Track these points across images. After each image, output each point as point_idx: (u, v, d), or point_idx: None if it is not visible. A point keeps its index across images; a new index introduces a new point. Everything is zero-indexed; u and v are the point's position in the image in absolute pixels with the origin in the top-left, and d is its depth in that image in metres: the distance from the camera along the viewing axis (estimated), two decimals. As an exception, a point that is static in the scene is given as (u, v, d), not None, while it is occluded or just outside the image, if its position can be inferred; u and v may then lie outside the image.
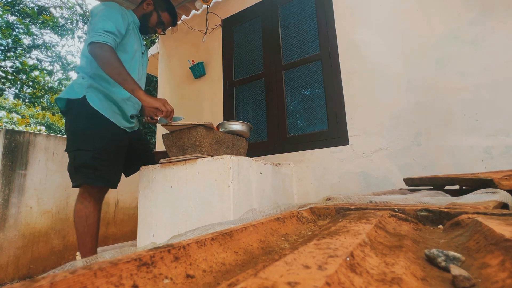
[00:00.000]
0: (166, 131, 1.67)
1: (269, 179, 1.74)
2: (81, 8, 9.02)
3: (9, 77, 7.23)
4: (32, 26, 8.00)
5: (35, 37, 8.27)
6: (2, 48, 7.09)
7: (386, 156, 1.87)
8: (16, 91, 7.69)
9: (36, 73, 8.18)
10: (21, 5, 7.71)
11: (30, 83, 7.90)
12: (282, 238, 0.58)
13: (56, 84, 9.46)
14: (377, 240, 0.45)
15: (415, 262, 0.37)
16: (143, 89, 1.67)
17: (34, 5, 8.26)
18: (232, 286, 0.25)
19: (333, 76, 2.17)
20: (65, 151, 1.49)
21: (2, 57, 7.13)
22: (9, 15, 7.45)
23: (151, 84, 6.35)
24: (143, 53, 1.69)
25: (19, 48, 7.52)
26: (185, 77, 3.23)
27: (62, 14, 9.23)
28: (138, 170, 1.71)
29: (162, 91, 3.47)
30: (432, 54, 1.80)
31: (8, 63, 7.39)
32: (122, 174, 1.69)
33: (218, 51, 2.97)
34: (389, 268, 0.33)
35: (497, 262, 0.33)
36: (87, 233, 1.43)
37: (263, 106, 2.56)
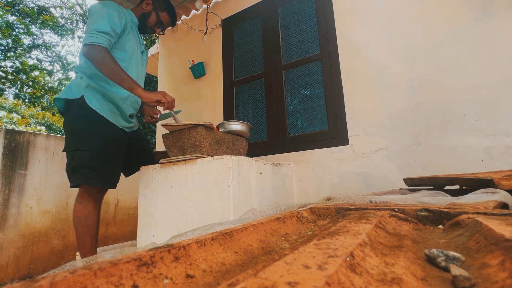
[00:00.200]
0: (166, 131, 1.67)
1: (269, 179, 1.74)
2: (81, 8, 9.03)
3: (9, 77, 7.23)
4: (32, 26, 8.00)
5: (35, 37, 8.26)
6: (2, 48, 7.09)
7: (386, 156, 1.87)
8: (16, 91, 7.69)
9: (36, 73, 8.18)
10: (21, 5, 7.72)
11: (30, 83, 7.90)
12: (282, 238, 0.58)
13: (56, 84, 9.46)
14: (377, 240, 0.45)
15: (415, 262, 0.37)
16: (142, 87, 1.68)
17: (34, 5, 8.27)
18: (232, 286, 0.25)
19: (333, 76, 2.17)
20: (63, 151, 1.49)
21: (2, 57, 7.13)
22: (9, 15, 7.44)
23: (151, 84, 6.35)
24: (142, 52, 1.69)
25: (19, 48, 7.52)
26: (185, 77, 3.23)
27: (62, 14, 9.23)
28: (138, 170, 1.71)
29: (162, 91, 3.47)
30: (432, 54, 1.80)
31: (8, 63, 7.39)
32: (122, 174, 1.69)
33: (218, 51, 2.97)
34: (389, 268, 0.33)
35: (497, 262, 0.33)
36: (86, 233, 1.43)
37: (263, 106, 2.56)
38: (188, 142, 1.52)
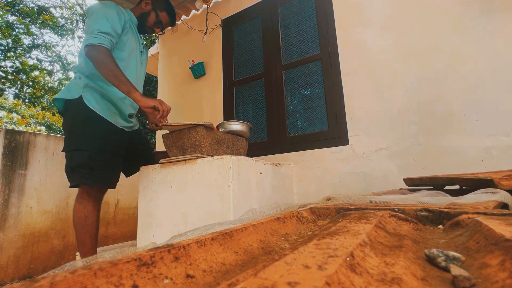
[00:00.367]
0: (166, 131, 1.67)
1: (269, 179, 1.74)
2: (81, 8, 9.03)
3: (9, 77, 7.23)
4: (32, 26, 8.01)
5: (35, 37, 8.27)
6: (2, 48, 7.09)
7: (386, 156, 1.87)
8: (16, 91, 7.69)
9: (36, 73, 8.18)
10: (21, 5, 7.72)
11: (30, 83, 7.90)
12: (282, 238, 0.58)
13: (56, 84, 9.46)
14: (377, 240, 0.45)
15: (415, 262, 0.37)
16: (141, 88, 1.67)
17: (34, 5, 8.27)
18: (232, 286, 0.25)
19: (333, 76, 2.17)
20: (62, 151, 1.49)
21: (2, 57, 7.13)
22: (9, 15, 7.45)
23: (151, 84, 6.35)
24: (141, 52, 1.69)
25: (19, 48, 7.52)
26: (185, 77, 3.23)
27: (62, 14, 9.23)
28: (138, 170, 1.71)
29: (162, 91, 3.47)
30: (432, 54, 1.80)
31: (8, 63, 7.39)
32: (122, 174, 1.69)
33: (218, 51, 2.97)
34: (389, 268, 0.33)
35: (497, 262, 0.33)
36: (86, 233, 1.43)
37: (263, 106, 2.56)
38: (188, 142, 1.52)
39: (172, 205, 1.52)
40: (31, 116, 12.89)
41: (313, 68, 2.32)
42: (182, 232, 1.07)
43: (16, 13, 7.63)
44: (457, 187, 1.17)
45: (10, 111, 12.67)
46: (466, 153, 1.63)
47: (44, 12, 8.25)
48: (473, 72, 1.67)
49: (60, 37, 8.96)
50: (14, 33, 7.32)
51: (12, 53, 7.31)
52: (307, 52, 2.37)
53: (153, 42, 6.49)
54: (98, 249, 1.66)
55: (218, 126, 1.75)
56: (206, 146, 1.50)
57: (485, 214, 0.55)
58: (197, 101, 3.06)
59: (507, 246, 0.33)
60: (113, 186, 1.53)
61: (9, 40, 7.21)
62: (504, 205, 0.68)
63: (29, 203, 2.17)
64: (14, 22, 7.43)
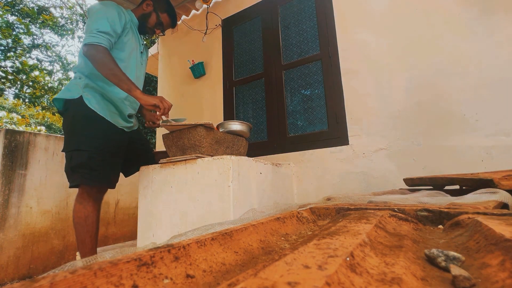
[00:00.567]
0: (166, 131, 1.67)
1: (269, 179, 1.74)
2: (81, 8, 9.03)
3: (9, 77, 7.23)
4: (32, 26, 8.01)
5: (35, 37, 8.27)
6: (2, 48, 7.09)
7: (386, 156, 1.87)
8: (16, 91, 7.70)
9: (36, 73, 8.18)
10: (21, 5, 7.72)
11: (30, 83, 7.90)
12: (282, 238, 0.58)
13: (56, 84, 9.46)
14: (377, 240, 0.45)
15: (415, 262, 0.37)
16: (141, 88, 1.67)
17: (34, 5, 8.27)
18: (232, 286, 0.25)
19: (333, 76, 2.17)
20: (62, 151, 1.49)
21: (2, 57, 7.13)
22: (9, 15, 7.45)
23: (151, 84, 6.35)
24: (142, 52, 1.69)
25: (19, 48, 7.52)
26: (185, 77, 3.23)
27: (62, 14, 9.24)
28: (138, 170, 1.71)
29: (162, 91, 3.47)
30: (432, 54, 1.80)
31: (8, 63, 7.39)
32: (122, 174, 1.69)
33: (218, 51, 2.97)
34: (389, 268, 0.33)
35: (497, 262, 0.33)
36: (86, 233, 1.43)
37: (263, 106, 2.56)
38: (188, 142, 1.52)
39: (172, 205, 1.52)
40: (31, 116, 12.89)
41: (313, 68, 2.32)
42: (182, 232, 1.07)
43: (16, 13, 7.64)
44: (457, 187, 1.17)
45: (10, 111, 12.67)
46: (466, 153, 1.63)
47: (44, 12, 8.25)
48: (473, 72, 1.67)
49: (60, 37, 8.96)
50: (14, 33, 7.32)
51: (12, 53, 7.31)
52: (307, 52, 2.37)
53: (153, 42, 6.49)
54: (98, 249, 1.66)
55: (218, 126, 1.75)
56: (206, 146, 1.50)
57: (485, 214, 0.55)
58: (197, 101, 3.06)
59: (507, 246, 0.33)
60: (113, 186, 1.53)
61: (9, 40, 7.21)
62: (504, 205, 0.68)
63: (29, 203, 2.17)
64: (14, 22, 7.44)
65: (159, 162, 1.60)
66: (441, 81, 1.76)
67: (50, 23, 8.32)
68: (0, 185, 2.04)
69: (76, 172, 1.41)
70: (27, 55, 8.13)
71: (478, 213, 0.56)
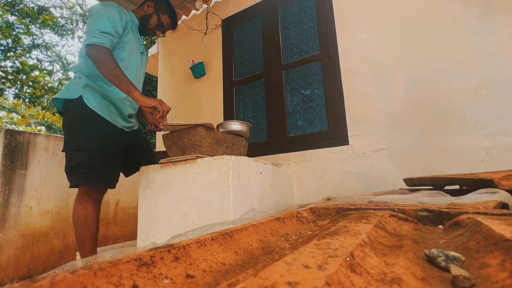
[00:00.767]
0: (166, 131, 1.67)
1: (269, 179, 1.74)
2: (81, 8, 9.03)
3: (9, 77, 7.23)
4: (32, 26, 8.01)
5: (35, 37, 8.27)
6: (2, 48, 7.09)
7: (386, 156, 1.87)
8: (16, 91, 7.70)
9: (36, 73, 8.18)
10: (21, 5, 7.72)
11: (30, 83, 7.90)
12: (282, 238, 0.58)
13: (56, 84, 9.46)
14: (377, 240, 0.45)
15: (415, 262, 0.37)
16: (141, 88, 1.68)
17: (34, 5, 8.27)
18: (232, 286, 0.25)
19: (333, 76, 2.17)
20: (62, 151, 1.49)
21: (2, 57, 7.14)
22: (9, 15, 7.45)
23: (151, 84, 6.35)
24: (142, 52, 1.69)
25: (19, 48, 7.53)
26: (185, 77, 3.23)
27: (62, 14, 9.24)
28: (138, 170, 1.71)
29: (162, 91, 3.47)
30: (432, 54, 1.80)
31: (8, 63, 7.40)
32: (122, 174, 1.69)
33: (218, 51, 2.97)
34: (389, 268, 0.33)
35: (497, 262, 0.33)
36: (86, 233, 1.43)
37: (263, 106, 2.56)
38: (188, 142, 1.52)
39: (172, 205, 1.52)
40: (31, 116, 12.89)
41: (313, 68, 2.32)
42: (182, 232, 1.07)
43: (16, 13, 7.64)
44: (457, 187, 1.17)
45: (10, 111, 12.67)
46: (466, 153, 1.63)
47: (44, 12, 8.25)
48: (473, 72, 1.67)
49: (60, 37, 8.96)
50: (14, 33, 7.32)
51: (12, 53, 7.31)
52: (307, 52, 2.37)
53: (153, 42, 6.49)
54: (98, 249, 1.66)
55: (218, 126, 1.75)
56: (206, 146, 1.50)
57: (485, 214, 0.55)
58: (197, 101, 3.06)
59: (507, 246, 0.33)
60: (113, 186, 1.53)
61: (9, 40, 7.21)
62: (504, 205, 0.68)
63: (29, 203, 2.17)
64: (14, 22, 7.44)
65: (159, 162, 1.60)
66: (441, 81, 1.76)
67: (50, 23, 8.32)
68: (0, 185, 2.04)
69: (76, 172, 1.41)
70: (27, 55, 8.13)
71: (478, 213, 0.56)
